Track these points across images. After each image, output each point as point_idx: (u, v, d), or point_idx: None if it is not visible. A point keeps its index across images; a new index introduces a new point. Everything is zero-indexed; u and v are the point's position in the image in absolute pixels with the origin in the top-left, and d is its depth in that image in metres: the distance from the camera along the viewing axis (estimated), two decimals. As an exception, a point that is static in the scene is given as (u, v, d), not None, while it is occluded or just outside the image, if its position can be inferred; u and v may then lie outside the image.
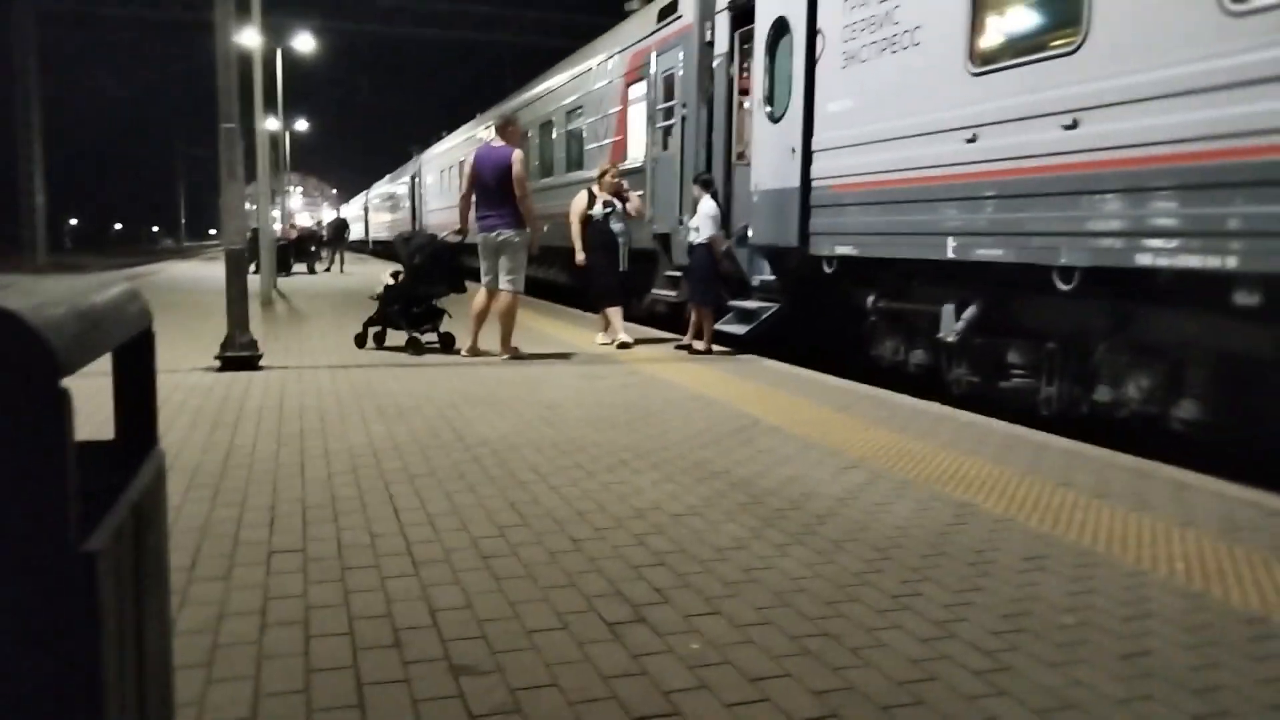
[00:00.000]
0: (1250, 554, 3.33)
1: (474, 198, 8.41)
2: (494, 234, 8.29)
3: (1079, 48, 5.51)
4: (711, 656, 2.44)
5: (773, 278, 9.15)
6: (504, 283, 8.33)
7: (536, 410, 5.87)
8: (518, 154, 8.32)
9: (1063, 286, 5.73)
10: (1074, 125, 5.55)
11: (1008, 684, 2.33)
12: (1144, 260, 5.11)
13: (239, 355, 7.46)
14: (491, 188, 8.28)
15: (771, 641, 2.54)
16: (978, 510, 3.82)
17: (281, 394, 6.35)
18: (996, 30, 6.41)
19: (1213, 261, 4.74)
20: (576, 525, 3.54)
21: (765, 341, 9.04)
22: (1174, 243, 4.96)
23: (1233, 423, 5.19)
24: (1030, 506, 3.89)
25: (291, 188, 46.31)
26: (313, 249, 27.95)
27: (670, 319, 11.21)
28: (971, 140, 6.37)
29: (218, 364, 7.41)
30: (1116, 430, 5.75)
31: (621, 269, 9.54)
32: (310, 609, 2.71)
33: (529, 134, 17.80)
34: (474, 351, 8.49)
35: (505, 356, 8.31)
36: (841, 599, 2.85)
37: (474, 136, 22.77)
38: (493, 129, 8.93)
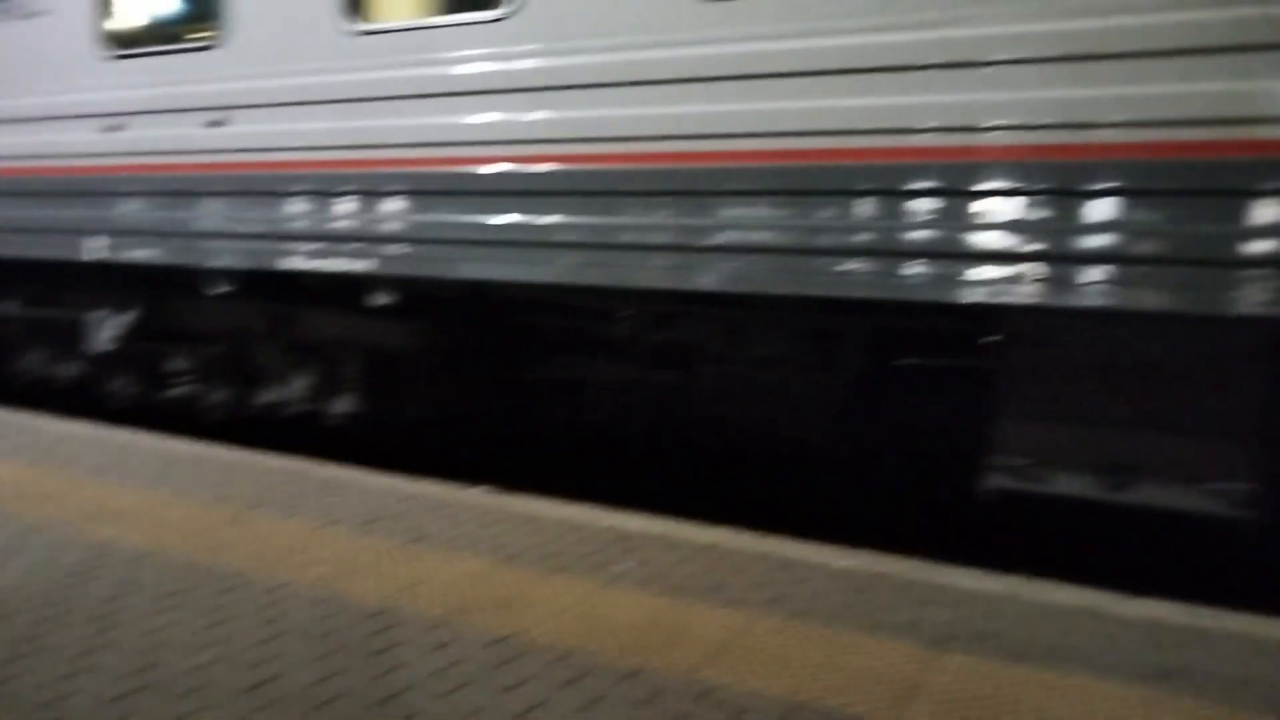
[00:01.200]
0: (387, 543, 3.58)
1: None
2: None
3: (219, 45, 5.36)
4: None
5: None
6: None
7: None
8: None
9: (222, 289, 5.59)
10: (220, 124, 5.41)
11: (116, 762, 2.06)
12: (292, 264, 5.23)
13: None
14: None
15: None
16: (117, 548, 3.43)
17: None
18: (131, 12, 5.91)
19: (355, 265, 5.04)
20: None
21: None
22: (317, 246, 5.15)
23: (381, 413, 5.65)
24: (179, 532, 3.63)
25: None
26: None
27: None
28: (115, 130, 5.81)
29: None
30: (285, 430, 5.83)
31: None
32: None
33: None
34: None
35: None
36: (-91, 708, 2.25)
37: None
38: None
